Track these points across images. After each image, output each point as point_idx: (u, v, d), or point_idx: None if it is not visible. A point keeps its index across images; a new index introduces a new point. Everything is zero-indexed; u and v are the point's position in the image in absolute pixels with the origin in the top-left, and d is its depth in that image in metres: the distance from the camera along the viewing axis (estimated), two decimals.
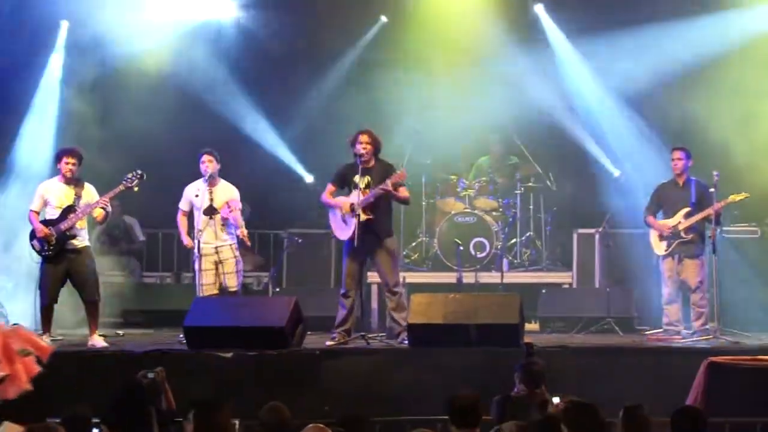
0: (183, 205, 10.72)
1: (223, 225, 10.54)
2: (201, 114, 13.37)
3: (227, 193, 10.64)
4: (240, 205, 10.63)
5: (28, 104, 13.00)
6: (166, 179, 11.68)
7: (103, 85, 13.03)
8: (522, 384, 7.42)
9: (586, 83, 13.47)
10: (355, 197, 10.13)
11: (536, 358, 7.74)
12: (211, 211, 10.48)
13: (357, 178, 10.19)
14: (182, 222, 10.73)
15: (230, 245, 10.58)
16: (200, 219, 10.52)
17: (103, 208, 10.18)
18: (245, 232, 10.50)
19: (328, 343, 10.03)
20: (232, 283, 10.55)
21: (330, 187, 10.48)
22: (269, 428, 6.24)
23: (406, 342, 9.94)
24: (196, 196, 10.57)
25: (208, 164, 10.56)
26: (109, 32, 12.72)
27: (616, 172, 13.35)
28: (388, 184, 10.01)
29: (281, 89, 13.84)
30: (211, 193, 10.53)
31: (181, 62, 13.34)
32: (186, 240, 10.70)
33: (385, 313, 10.84)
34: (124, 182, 10.22)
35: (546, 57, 13.52)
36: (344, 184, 10.43)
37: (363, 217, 10.06)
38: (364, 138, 10.24)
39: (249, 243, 10.79)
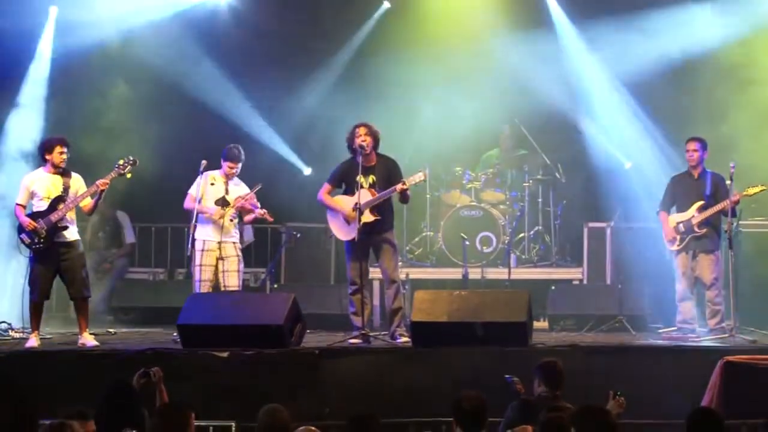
0: (194, 191, 10.43)
1: (231, 220, 10.34)
2: (195, 106, 13.20)
3: (242, 190, 10.48)
4: (254, 198, 10.45)
5: (16, 92, 12.77)
6: (160, 173, 11.46)
7: (94, 76, 12.85)
8: (543, 386, 7.21)
9: (596, 72, 13.31)
10: (357, 197, 9.88)
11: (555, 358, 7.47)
12: (223, 203, 10.34)
13: (360, 178, 9.95)
14: (194, 204, 10.39)
15: (233, 243, 10.42)
16: (210, 209, 10.33)
17: (101, 191, 9.87)
18: (264, 211, 10.35)
19: (351, 341, 9.86)
20: (233, 282, 10.35)
21: (327, 187, 10.26)
22: (268, 431, 6.08)
23: (399, 340, 9.85)
24: (212, 184, 10.39)
25: (231, 170, 10.40)
26: (99, 18, 12.56)
27: (627, 164, 13.15)
28: (406, 183, 9.83)
29: (279, 79, 13.61)
30: (226, 185, 10.40)
31: (173, 51, 13.11)
32: (200, 208, 10.32)
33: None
34: (116, 168, 10.01)
35: (556, 45, 13.39)
36: (343, 183, 10.18)
37: (371, 218, 9.89)
38: (362, 130, 10.04)
39: (272, 219, 10.59)
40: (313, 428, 5.78)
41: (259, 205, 10.38)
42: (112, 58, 12.97)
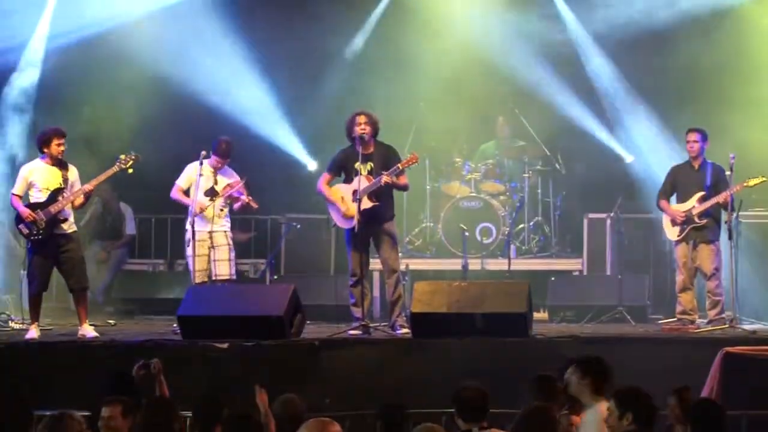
0: (182, 182, 10.51)
1: (221, 209, 10.37)
2: (194, 94, 13.08)
3: (231, 178, 10.52)
4: (242, 186, 10.48)
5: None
6: (160, 163, 11.41)
7: (90, 65, 12.80)
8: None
9: (596, 60, 13.28)
10: (356, 184, 9.85)
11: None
12: (212, 193, 10.37)
13: (358, 165, 9.90)
14: (182, 196, 10.44)
15: (224, 232, 10.48)
16: (199, 200, 10.34)
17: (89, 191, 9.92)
18: (250, 198, 10.39)
19: (351, 332, 9.86)
20: (224, 271, 10.38)
21: (326, 176, 10.23)
22: (282, 422, 6.07)
23: (399, 331, 9.83)
24: (200, 175, 10.37)
25: (218, 165, 10.47)
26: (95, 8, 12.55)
27: (629, 158, 13.12)
28: (396, 171, 9.77)
29: (278, 68, 13.51)
30: (215, 175, 10.43)
31: (171, 40, 13.04)
32: (187, 201, 10.39)
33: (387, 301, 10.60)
34: (117, 163, 10.02)
35: (554, 34, 13.29)
36: (342, 171, 10.15)
37: (369, 204, 9.82)
38: (362, 119, 9.94)
39: (256, 206, 10.62)
40: (323, 419, 5.65)
41: (245, 192, 10.38)
42: (111, 47, 12.95)
